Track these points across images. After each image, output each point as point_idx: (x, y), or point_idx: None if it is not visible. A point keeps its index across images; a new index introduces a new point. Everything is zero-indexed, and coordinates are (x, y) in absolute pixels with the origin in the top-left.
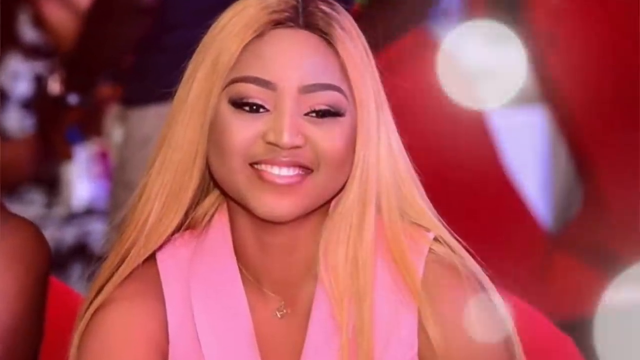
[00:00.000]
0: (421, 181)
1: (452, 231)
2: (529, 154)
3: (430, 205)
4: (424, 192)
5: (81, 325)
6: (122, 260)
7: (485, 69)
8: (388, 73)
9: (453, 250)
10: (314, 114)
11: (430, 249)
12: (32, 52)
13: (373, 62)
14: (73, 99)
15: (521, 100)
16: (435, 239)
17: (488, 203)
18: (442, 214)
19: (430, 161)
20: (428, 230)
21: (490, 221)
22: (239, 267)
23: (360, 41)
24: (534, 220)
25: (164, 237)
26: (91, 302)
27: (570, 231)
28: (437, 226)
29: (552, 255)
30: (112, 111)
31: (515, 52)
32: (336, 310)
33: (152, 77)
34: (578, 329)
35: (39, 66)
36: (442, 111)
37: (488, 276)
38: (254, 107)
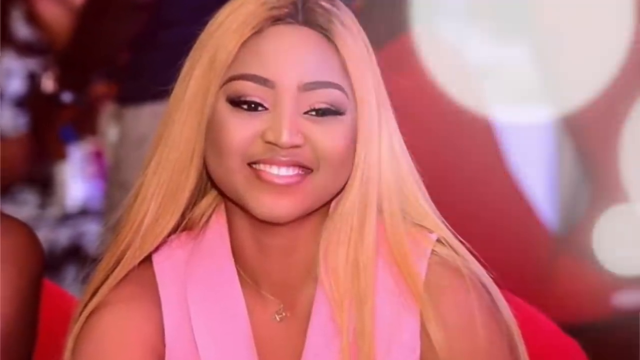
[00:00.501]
0: (423, 181)
1: (455, 233)
2: (534, 154)
3: (433, 206)
4: (426, 193)
5: (76, 328)
6: (118, 262)
7: (490, 67)
8: (389, 71)
9: (456, 252)
10: (313, 113)
11: (432, 250)
12: (25, 49)
13: (374, 59)
14: (67, 97)
15: (526, 99)
16: (438, 241)
17: (492, 204)
18: (445, 215)
19: (433, 161)
20: (431, 231)
21: (494, 222)
22: (237, 269)
23: (361, 38)
24: (539, 221)
25: (160, 239)
26: (86, 305)
27: (576, 233)
28: (440, 227)
29: (558, 257)
30: (107, 110)
31: (520, 50)
32: (337, 313)
33: (148, 75)
34: (584, 332)
35: (32, 64)
36: (445, 110)
37: (492, 278)
38: (252, 106)
